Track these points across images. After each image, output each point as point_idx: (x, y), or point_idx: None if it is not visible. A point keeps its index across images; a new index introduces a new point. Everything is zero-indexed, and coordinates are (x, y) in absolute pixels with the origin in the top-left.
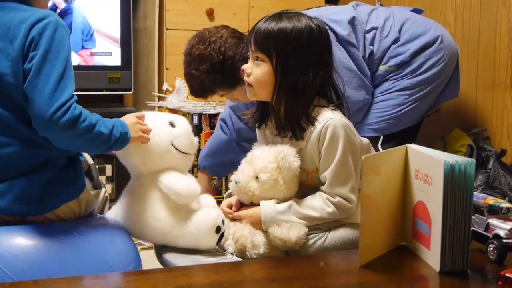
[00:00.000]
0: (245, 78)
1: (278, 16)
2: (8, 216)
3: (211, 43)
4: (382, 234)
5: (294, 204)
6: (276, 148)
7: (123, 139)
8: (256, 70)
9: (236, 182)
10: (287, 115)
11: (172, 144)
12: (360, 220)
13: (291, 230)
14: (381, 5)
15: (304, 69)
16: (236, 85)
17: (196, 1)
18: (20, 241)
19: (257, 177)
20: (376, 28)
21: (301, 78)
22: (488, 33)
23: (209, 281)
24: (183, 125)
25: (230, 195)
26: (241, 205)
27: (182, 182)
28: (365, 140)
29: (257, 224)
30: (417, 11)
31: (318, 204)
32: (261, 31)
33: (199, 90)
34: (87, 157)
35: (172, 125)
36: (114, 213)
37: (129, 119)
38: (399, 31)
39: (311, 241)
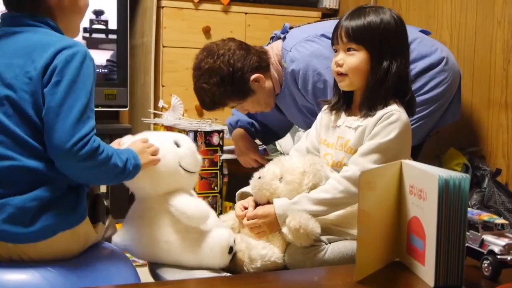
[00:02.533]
0: (338, 69)
1: (363, 11)
2: None
3: (219, 56)
4: (378, 250)
5: (306, 194)
6: (306, 157)
7: (135, 171)
8: (350, 59)
9: (259, 177)
10: (373, 98)
11: (180, 165)
12: (357, 235)
13: (310, 220)
14: None
15: (392, 56)
16: (246, 96)
17: (193, 19)
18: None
19: (281, 178)
20: None
21: (391, 64)
22: (483, 52)
23: None
24: (188, 144)
25: (241, 195)
26: (256, 206)
27: (192, 205)
28: None
29: (273, 223)
30: (425, 32)
31: (328, 186)
32: (352, 25)
33: (210, 103)
34: (96, 186)
35: (177, 144)
36: (120, 237)
37: (136, 146)
38: None
39: (311, 253)
